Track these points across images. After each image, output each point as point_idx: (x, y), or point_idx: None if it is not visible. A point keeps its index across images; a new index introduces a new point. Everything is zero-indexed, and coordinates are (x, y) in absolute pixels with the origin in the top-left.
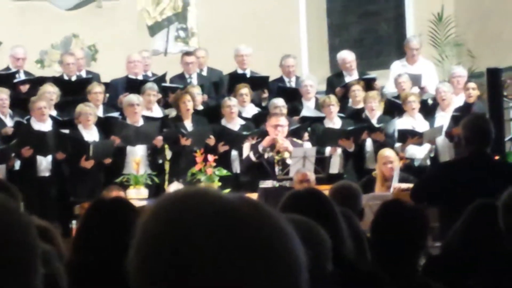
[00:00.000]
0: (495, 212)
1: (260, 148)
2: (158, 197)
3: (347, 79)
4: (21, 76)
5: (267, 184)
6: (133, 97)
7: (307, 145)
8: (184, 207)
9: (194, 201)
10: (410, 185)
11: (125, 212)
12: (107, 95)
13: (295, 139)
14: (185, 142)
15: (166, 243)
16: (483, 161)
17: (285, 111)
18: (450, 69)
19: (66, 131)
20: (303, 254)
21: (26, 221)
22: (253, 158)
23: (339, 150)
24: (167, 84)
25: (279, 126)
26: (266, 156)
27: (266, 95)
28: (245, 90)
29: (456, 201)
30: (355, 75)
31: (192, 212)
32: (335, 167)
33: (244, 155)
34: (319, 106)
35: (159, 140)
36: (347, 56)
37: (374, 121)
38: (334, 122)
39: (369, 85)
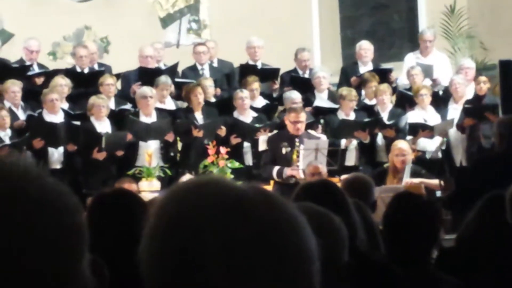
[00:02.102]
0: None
1: (284, 175)
2: (170, 187)
3: (362, 69)
4: (35, 69)
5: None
6: (146, 90)
7: (324, 137)
8: (196, 196)
9: (205, 190)
10: (424, 180)
11: (129, 204)
12: (118, 87)
13: (311, 131)
14: (197, 133)
15: (178, 233)
16: None
17: (301, 105)
18: (459, 61)
19: (78, 123)
20: (314, 244)
21: (76, 205)
22: (275, 178)
23: (354, 142)
24: (180, 79)
25: (299, 122)
26: (286, 177)
27: (276, 86)
28: (255, 85)
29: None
30: (369, 66)
31: (203, 202)
32: (351, 159)
33: (260, 148)
34: (333, 97)
35: (171, 135)
36: (364, 43)
37: (385, 115)
38: (349, 114)
39: (383, 77)
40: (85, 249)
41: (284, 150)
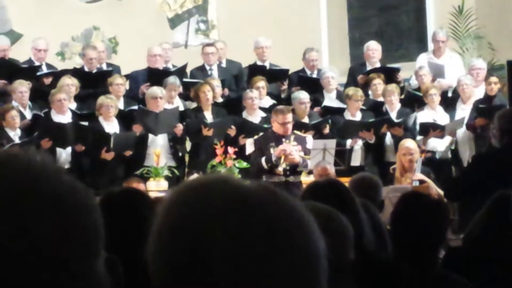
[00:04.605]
0: None
1: (273, 158)
2: (178, 185)
3: (370, 69)
4: (44, 69)
5: (273, 179)
6: (156, 90)
7: (309, 138)
8: (203, 194)
9: (213, 189)
10: (432, 184)
11: (137, 202)
12: (127, 87)
13: (297, 132)
14: (207, 132)
15: (185, 231)
16: None
17: (309, 105)
18: (470, 62)
19: (86, 123)
20: (322, 242)
21: (92, 203)
22: (265, 165)
23: (360, 143)
24: (188, 79)
25: (287, 123)
26: (275, 159)
27: (285, 87)
28: (261, 83)
29: (489, 193)
30: (377, 66)
31: (211, 200)
32: (356, 160)
33: (247, 151)
34: (341, 98)
35: (179, 128)
36: (371, 44)
37: (394, 115)
38: (355, 114)
39: (391, 76)
40: (100, 247)
41: (272, 150)
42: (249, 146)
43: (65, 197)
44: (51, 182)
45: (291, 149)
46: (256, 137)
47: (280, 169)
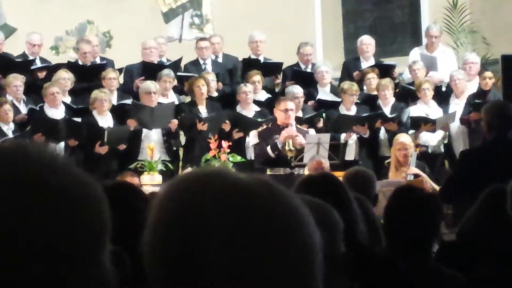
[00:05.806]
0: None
1: (279, 144)
2: (173, 178)
3: (364, 64)
4: (38, 63)
5: (277, 171)
6: (150, 85)
7: (311, 132)
8: (198, 188)
9: (208, 181)
10: (427, 178)
11: (130, 196)
12: (121, 81)
13: (299, 126)
14: (202, 127)
15: (181, 225)
16: (506, 146)
17: (302, 99)
18: (464, 56)
19: (79, 119)
20: (318, 236)
21: (100, 195)
22: (271, 154)
23: (354, 137)
24: (183, 73)
25: (289, 110)
26: (281, 145)
27: (279, 80)
28: (257, 78)
29: (480, 188)
30: (371, 61)
31: (206, 193)
32: (351, 154)
33: (251, 143)
34: (335, 92)
35: (174, 123)
36: (365, 38)
37: (387, 109)
38: (350, 108)
39: (386, 72)
40: (107, 239)
41: (284, 147)
42: (253, 137)
43: (74, 189)
44: (60, 174)
45: (296, 132)
46: (260, 129)
47: (288, 149)
